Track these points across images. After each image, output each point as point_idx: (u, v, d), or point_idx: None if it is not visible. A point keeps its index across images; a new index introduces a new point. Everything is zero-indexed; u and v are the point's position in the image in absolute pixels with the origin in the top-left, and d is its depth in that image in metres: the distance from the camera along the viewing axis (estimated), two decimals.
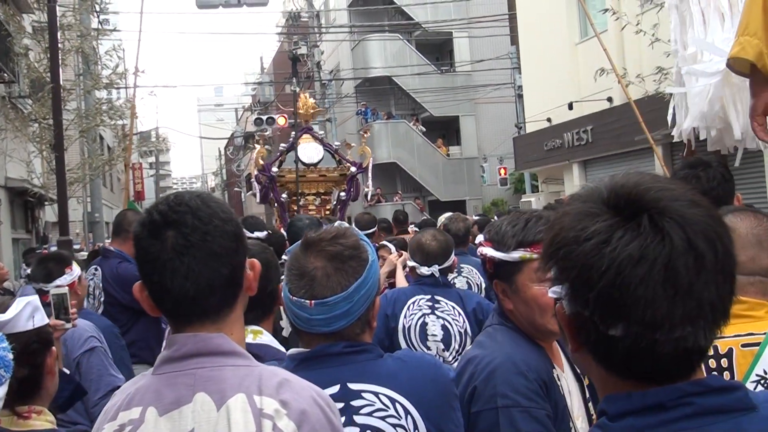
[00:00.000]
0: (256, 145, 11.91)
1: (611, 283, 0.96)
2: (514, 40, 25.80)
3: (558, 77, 18.18)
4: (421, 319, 3.66)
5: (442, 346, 3.62)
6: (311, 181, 11.18)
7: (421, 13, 29.41)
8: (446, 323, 3.66)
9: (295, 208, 10.44)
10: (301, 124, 11.54)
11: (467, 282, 5.15)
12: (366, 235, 2.09)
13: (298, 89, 29.60)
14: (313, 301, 1.75)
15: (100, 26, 12.28)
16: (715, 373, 1.77)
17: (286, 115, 25.12)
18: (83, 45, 11.27)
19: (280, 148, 11.62)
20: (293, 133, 11.60)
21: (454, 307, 3.70)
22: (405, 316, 3.65)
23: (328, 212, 11.14)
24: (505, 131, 28.01)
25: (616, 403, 1.02)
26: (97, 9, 12.30)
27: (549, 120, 18.85)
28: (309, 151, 11.22)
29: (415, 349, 3.58)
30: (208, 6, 15.36)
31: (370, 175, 11.24)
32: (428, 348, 3.61)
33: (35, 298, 1.91)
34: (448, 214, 6.60)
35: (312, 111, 11.82)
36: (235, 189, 49.69)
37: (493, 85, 27.16)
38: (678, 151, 13.72)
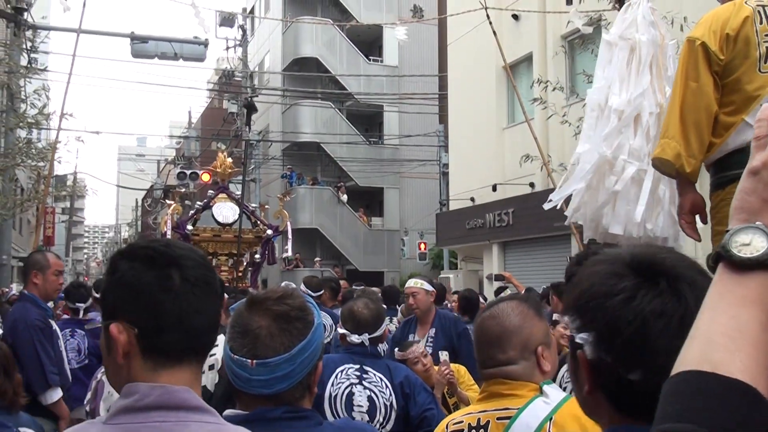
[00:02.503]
0: (168, 201, 11.72)
1: (636, 332, 1.11)
2: (443, 119, 26.49)
3: (484, 158, 18.65)
4: (348, 389, 3.58)
5: (367, 418, 3.54)
6: (225, 241, 10.96)
7: (355, 84, 29.92)
8: (373, 395, 3.59)
9: None
10: (218, 183, 11.45)
11: None
12: (314, 297, 2.05)
13: (224, 147, 29.43)
14: (254, 361, 1.70)
15: (29, 65, 11.98)
16: None
17: (209, 172, 24.94)
18: (10, 81, 10.96)
19: (196, 205, 11.46)
20: (210, 191, 11.48)
21: (381, 379, 3.63)
22: (332, 384, 3.56)
23: (240, 273, 10.95)
24: (428, 207, 28.44)
25: None
26: (29, 46, 12.01)
27: (472, 199, 19.23)
28: (225, 210, 11.07)
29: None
30: (144, 56, 15.23)
31: (290, 238, 11.14)
32: (353, 419, 3.52)
33: None
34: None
35: (229, 170, 11.71)
36: None
37: (418, 161, 27.67)
38: (595, 239, 14.16)
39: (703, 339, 0.86)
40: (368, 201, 31.99)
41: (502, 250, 18.20)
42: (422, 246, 26.36)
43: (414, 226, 28.38)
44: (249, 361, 1.70)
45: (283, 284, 3.11)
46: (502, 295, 9.55)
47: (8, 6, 9.93)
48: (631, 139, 4.36)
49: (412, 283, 5.99)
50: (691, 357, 0.86)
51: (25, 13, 11.03)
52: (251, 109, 9.88)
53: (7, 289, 13.23)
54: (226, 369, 1.80)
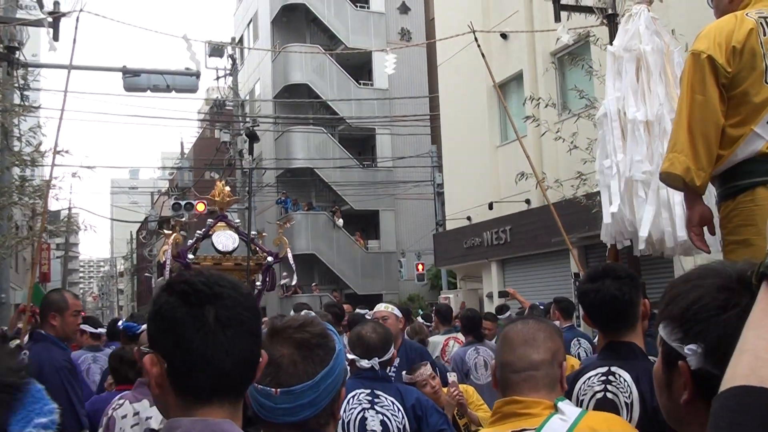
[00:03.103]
0: (165, 231, 11.71)
1: None
2: (435, 139, 26.63)
3: (479, 177, 18.72)
4: (361, 414, 3.58)
5: None
6: (226, 269, 10.96)
7: (346, 108, 30.05)
8: (385, 418, 3.59)
9: None
10: (217, 212, 11.46)
11: None
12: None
13: (218, 176, 29.44)
14: (278, 390, 1.71)
15: (23, 102, 12.02)
16: None
17: (204, 202, 24.92)
18: (5, 120, 11.00)
19: (196, 235, 11.46)
20: (209, 220, 11.48)
21: (393, 402, 3.63)
22: (344, 410, 3.56)
23: None
24: (424, 227, 28.48)
25: None
26: (21, 83, 12.06)
27: (469, 219, 19.27)
28: (224, 239, 11.08)
29: None
30: (136, 89, 15.30)
31: (293, 266, 11.13)
32: None
33: None
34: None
35: (228, 199, 11.74)
36: (146, 274, 48.38)
37: (413, 182, 27.75)
38: (593, 254, 14.20)
39: (751, 355, 0.89)
40: (364, 224, 32.02)
41: (501, 268, 18.22)
42: (420, 267, 26.37)
43: (411, 247, 28.39)
44: (273, 390, 1.71)
45: (303, 312, 3.12)
46: (510, 314, 9.57)
47: (0, 45, 9.98)
48: (660, 148, 4.43)
49: (382, 307, 5.90)
50: (740, 372, 0.89)
51: (17, 52, 11.08)
52: (253, 138, 9.93)
53: (5, 328, 13.16)
54: (250, 398, 1.80)
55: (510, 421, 2.07)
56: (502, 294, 8.31)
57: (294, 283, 11.77)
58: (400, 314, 5.84)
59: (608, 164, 4.75)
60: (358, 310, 8.88)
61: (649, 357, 2.66)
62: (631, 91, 4.66)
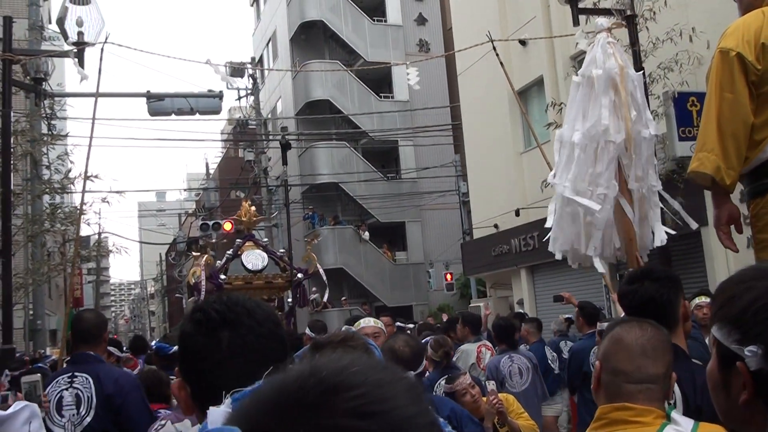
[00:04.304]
0: (194, 252, 11.83)
1: None
2: (458, 148, 26.58)
3: (504, 184, 18.65)
4: None
5: None
6: (257, 288, 11.07)
7: (368, 122, 30.15)
8: None
9: None
10: (244, 231, 11.57)
11: None
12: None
13: (243, 195, 29.55)
14: None
15: (50, 132, 12.24)
16: None
17: (232, 221, 25.11)
18: (34, 150, 11.20)
19: (226, 255, 11.57)
20: (237, 240, 11.60)
21: None
22: None
23: None
24: (451, 237, 28.41)
25: None
26: (48, 112, 12.28)
27: (496, 226, 19.19)
28: (253, 258, 11.19)
29: None
30: (161, 113, 15.47)
31: (325, 281, 11.21)
32: None
33: (36, 406, 1.82)
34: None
35: (254, 219, 11.85)
36: (176, 295, 48.73)
37: (438, 192, 27.73)
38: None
39: None
40: (391, 236, 32.02)
41: (531, 274, 18.11)
42: (448, 276, 26.30)
43: (438, 257, 28.33)
44: None
45: (343, 328, 3.13)
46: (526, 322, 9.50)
47: (27, 78, 10.16)
48: (591, 167, 4.78)
49: (371, 323, 5.43)
50: None
51: (44, 83, 11.28)
52: (287, 147, 10.05)
53: (42, 351, 13.37)
54: None
55: (619, 428, 2.00)
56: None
57: (325, 298, 11.82)
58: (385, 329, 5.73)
59: (551, 182, 5.21)
60: (398, 324, 8.79)
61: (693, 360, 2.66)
62: (581, 114, 4.92)
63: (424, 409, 0.67)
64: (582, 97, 4.93)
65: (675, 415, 2.00)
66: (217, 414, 1.23)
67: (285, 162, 10.99)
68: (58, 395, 3.77)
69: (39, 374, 2.99)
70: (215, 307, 1.44)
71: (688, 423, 1.99)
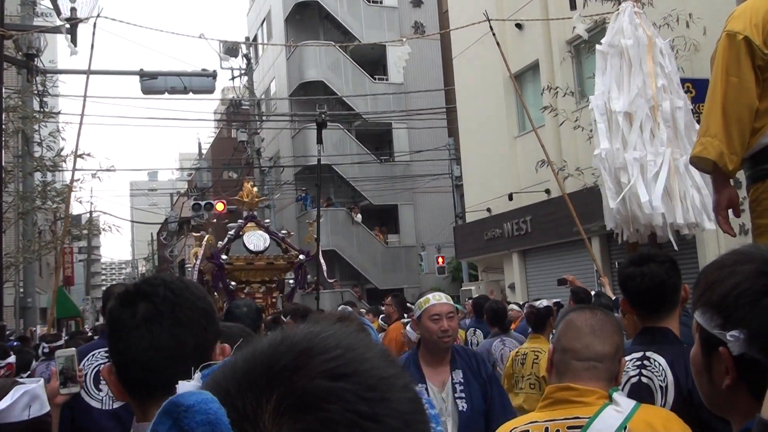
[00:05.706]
0: (194, 233, 11.76)
1: None
2: (452, 132, 26.56)
3: (497, 168, 18.65)
4: None
5: None
6: (258, 269, 11.05)
7: (362, 103, 30.05)
8: None
9: (243, 296, 10.26)
10: (245, 212, 11.52)
11: None
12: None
13: (236, 176, 29.41)
14: None
15: (42, 109, 12.13)
16: None
17: (224, 201, 24.99)
18: (25, 127, 11.09)
19: (228, 235, 11.51)
20: (239, 221, 11.55)
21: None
22: None
23: (274, 300, 11.01)
24: (443, 220, 28.43)
25: None
26: (40, 89, 12.16)
27: (489, 210, 19.21)
28: (255, 239, 11.13)
29: None
30: (154, 91, 15.36)
31: (323, 263, 11.22)
32: None
33: (35, 387, 1.80)
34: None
35: (257, 199, 11.81)
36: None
37: (431, 176, 27.70)
38: (615, 243, 14.10)
39: None
40: (383, 219, 32.01)
41: (523, 259, 18.16)
42: (440, 260, 26.34)
43: (431, 240, 28.36)
44: None
45: (339, 308, 3.12)
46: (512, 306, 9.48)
47: (19, 53, 10.08)
48: (638, 135, 4.84)
49: (444, 299, 5.62)
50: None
51: (36, 59, 11.16)
52: (322, 125, 10.00)
53: (33, 329, 13.34)
54: None
55: (562, 407, 2.05)
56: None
57: (332, 280, 11.79)
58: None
59: (597, 154, 5.13)
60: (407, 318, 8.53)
61: (685, 345, 2.65)
62: (615, 84, 4.95)
63: (399, 371, 0.67)
64: (615, 67, 4.99)
65: (617, 396, 2.04)
66: (187, 387, 1.21)
67: (320, 140, 10.90)
68: (96, 369, 3.78)
69: (74, 348, 2.99)
70: (136, 283, 1.47)
71: (628, 404, 2.03)
